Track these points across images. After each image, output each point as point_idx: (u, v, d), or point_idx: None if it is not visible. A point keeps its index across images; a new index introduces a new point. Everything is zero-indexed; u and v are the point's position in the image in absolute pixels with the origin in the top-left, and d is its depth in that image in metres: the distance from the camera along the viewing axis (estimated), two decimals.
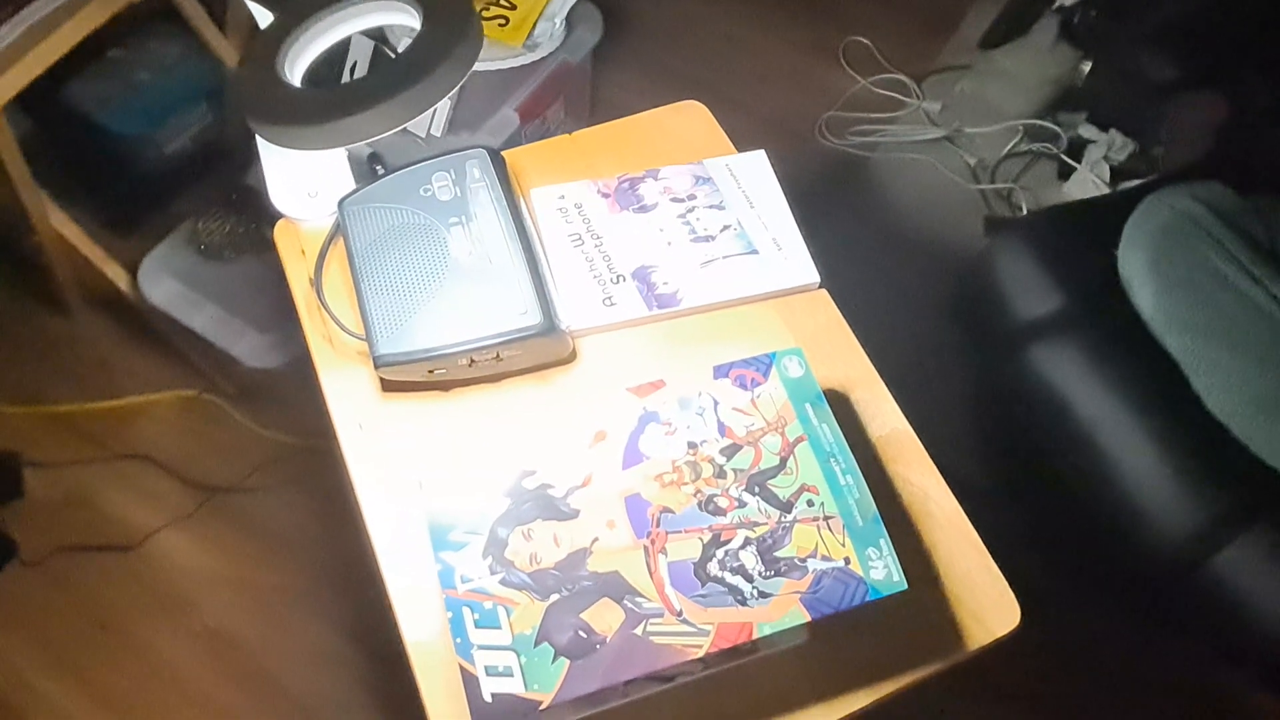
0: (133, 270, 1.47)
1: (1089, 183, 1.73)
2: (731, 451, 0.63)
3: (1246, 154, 1.40)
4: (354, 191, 0.76)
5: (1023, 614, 0.68)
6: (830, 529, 0.61)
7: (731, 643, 0.57)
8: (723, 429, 0.64)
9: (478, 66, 1.45)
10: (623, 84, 1.91)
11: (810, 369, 0.67)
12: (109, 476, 1.51)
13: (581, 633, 0.57)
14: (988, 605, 0.68)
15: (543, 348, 0.73)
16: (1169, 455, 1.04)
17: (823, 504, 0.61)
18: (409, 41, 0.77)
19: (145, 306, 1.48)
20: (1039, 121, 1.80)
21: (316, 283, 0.78)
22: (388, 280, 0.72)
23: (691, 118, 0.90)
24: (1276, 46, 1.47)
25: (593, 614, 0.58)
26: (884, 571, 0.59)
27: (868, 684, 0.66)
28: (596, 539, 0.60)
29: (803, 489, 0.62)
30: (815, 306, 0.80)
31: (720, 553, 0.60)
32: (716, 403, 0.65)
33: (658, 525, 0.61)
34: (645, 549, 0.60)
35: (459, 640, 0.57)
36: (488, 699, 0.56)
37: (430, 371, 0.72)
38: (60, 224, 1.38)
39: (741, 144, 0.88)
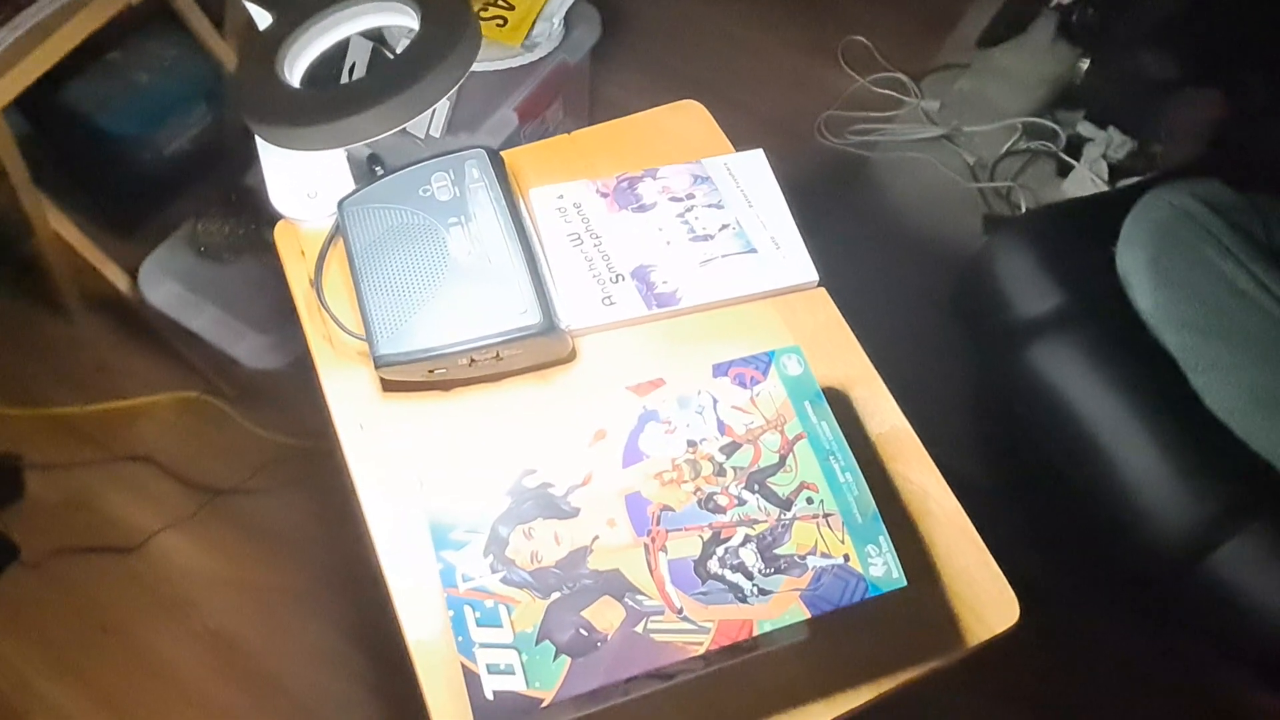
0: (132, 272, 1.48)
1: (1088, 180, 1.73)
2: (731, 449, 0.63)
3: (1245, 151, 1.40)
4: (353, 192, 0.76)
5: (1022, 611, 0.68)
6: (830, 526, 0.61)
7: (732, 640, 0.57)
8: (722, 427, 0.64)
9: (476, 67, 1.45)
10: (621, 84, 1.92)
11: (809, 367, 0.67)
12: (109, 478, 1.51)
13: (582, 631, 0.58)
14: (987, 602, 0.69)
15: (542, 347, 0.73)
16: (1168, 452, 1.04)
17: (822, 501, 0.62)
18: (407, 42, 0.77)
19: (145, 308, 1.48)
20: (1038, 119, 1.81)
21: (316, 283, 0.78)
22: (387, 280, 0.72)
23: (690, 117, 0.91)
24: (1274, 44, 1.47)
25: (594, 612, 0.58)
26: (883, 568, 0.60)
27: (868, 680, 0.66)
28: (597, 537, 0.60)
29: (802, 486, 0.62)
30: (814, 305, 0.80)
31: (720, 550, 0.60)
32: (716, 401, 0.65)
33: (658, 523, 0.61)
34: (645, 547, 0.60)
35: (460, 639, 0.57)
36: (489, 697, 0.56)
37: (430, 371, 0.72)
38: (60, 226, 1.38)
39: (740, 143, 0.88)
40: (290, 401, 1.54)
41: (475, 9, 0.80)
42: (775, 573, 0.59)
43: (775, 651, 0.67)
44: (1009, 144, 1.81)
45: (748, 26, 2.03)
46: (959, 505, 0.72)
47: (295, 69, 0.80)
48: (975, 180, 1.80)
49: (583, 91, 1.75)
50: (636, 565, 0.59)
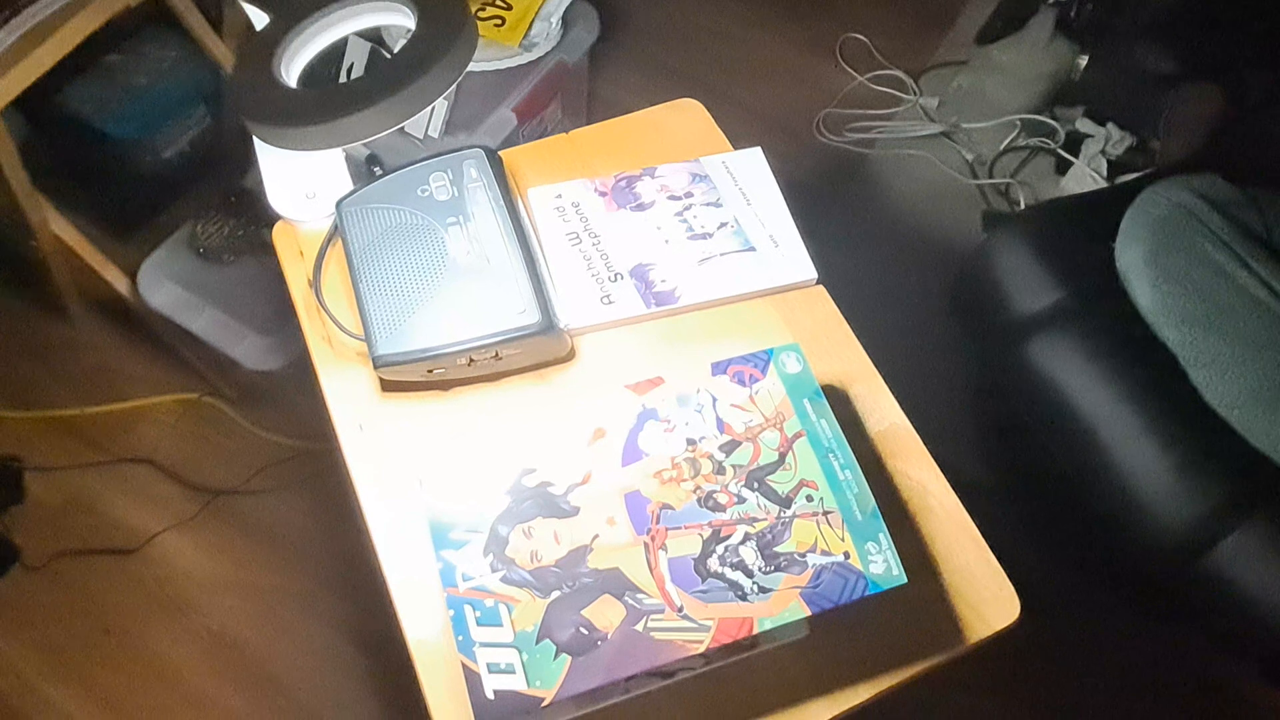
0: (132, 274, 1.47)
1: (1086, 177, 1.73)
2: (730, 448, 0.63)
3: (1243, 146, 1.40)
4: (352, 192, 0.76)
5: (1022, 607, 0.68)
6: (829, 524, 0.61)
7: (732, 638, 0.57)
8: (721, 425, 0.64)
9: (474, 67, 1.45)
10: (620, 83, 1.92)
11: (808, 365, 0.67)
12: (110, 480, 1.51)
13: (583, 629, 0.58)
14: (987, 598, 0.69)
15: (541, 346, 0.73)
16: (1168, 448, 1.04)
17: (822, 499, 0.62)
18: (404, 42, 0.77)
19: (145, 310, 1.48)
20: (1036, 116, 1.80)
21: (315, 284, 0.78)
22: (386, 281, 0.72)
23: (688, 116, 0.91)
24: (1272, 38, 1.47)
25: (594, 611, 0.58)
26: (883, 565, 0.60)
27: (868, 678, 0.66)
28: (597, 536, 0.60)
29: (802, 484, 0.62)
30: (813, 303, 0.80)
31: (720, 548, 0.60)
32: (715, 399, 0.65)
33: (657, 522, 0.61)
34: (645, 545, 0.60)
35: (461, 638, 0.58)
36: (490, 696, 0.56)
37: (429, 371, 0.72)
38: (59, 229, 1.38)
39: (739, 142, 0.88)
40: (290, 402, 1.54)
41: (473, 9, 0.80)
42: (775, 570, 0.59)
43: (775, 649, 0.67)
44: (1007, 141, 1.81)
45: (745, 25, 2.03)
46: (959, 502, 0.72)
47: (292, 69, 0.80)
48: (974, 177, 1.80)
49: (581, 91, 1.75)
50: (636, 564, 0.59)
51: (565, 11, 1.51)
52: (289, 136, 0.76)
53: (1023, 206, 1.76)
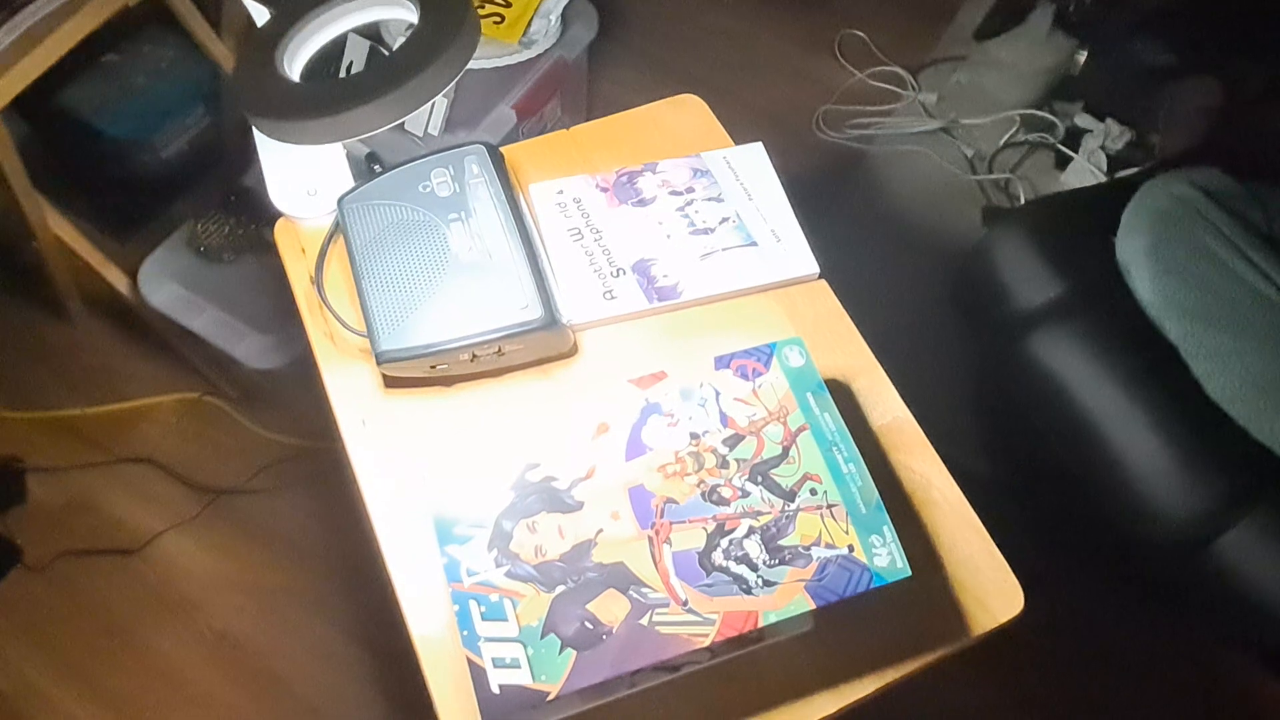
0: (132, 274, 1.47)
1: (1086, 171, 1.73)
2: (734, 441, 0.63)
3: (1243, 139, 1.40)
4: (353, 189, 0.76)
5: (1026, 599, 0.68)
6: (833, 517, 0.61)
7: (737, 631, 0.57)
8: (725, 419, 0.64)
9: (474, 64, 1.45)
10: (619, 80, 1.91)
11: (811, 358, 0.67)
12: (112, 480, 1.51)
13: (588, 624, 0.58)
14: (992, 590, 0.69)
15: (544, 342, 0.73)
16: (1170, 441, 1.04)
17: (826, 492, 0.62)
18: (406, 36, 0.77)
19: (145, 310, 1.48)
20: (1036, 111, 1.80)
21: (317, 280, 0.78)
22: (388, 277, 0.72)
23: (689, 112, 0.91)
24: (1270, 31, 1.47)
25: (599, 605, 0.58)
26: (888, 558, 0.60)
27: (873, 670, 0.66)
28: (601, 530, 0.60)
29: (805, 477, 0.62)
30: (815, 297, 0.80)
31: (724, 542, 0.60)
32: (718, 393, 0.65)
33: (662, 516, 0.61)
34: (650, 540, 0.60)
35: (466, 633, 0.58)
36: (495, 690, 0.56)
37: (432, 367, 0.72)
38: (59, 229, 1.38)
39: (739, 139, 0.88)
40: (292, 401, 1.54)
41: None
42: (779, 564, 0.59)
43: (780, 643, 0.67)
44: (1007, 136, 1.81)
45: (744, 22, 2.03)
46: (962, 495, 0.72)
47: (294, 64, 0.80)
48: (974, 172, 1.80)
49: (580, 88, 1.75)
50: (641, 558, 0.59)
51: (564, 9, 1.51)
52: (290, 130, 0.76)
53: (1023, 201, 1.76)
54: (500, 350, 0.72)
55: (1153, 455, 1.05)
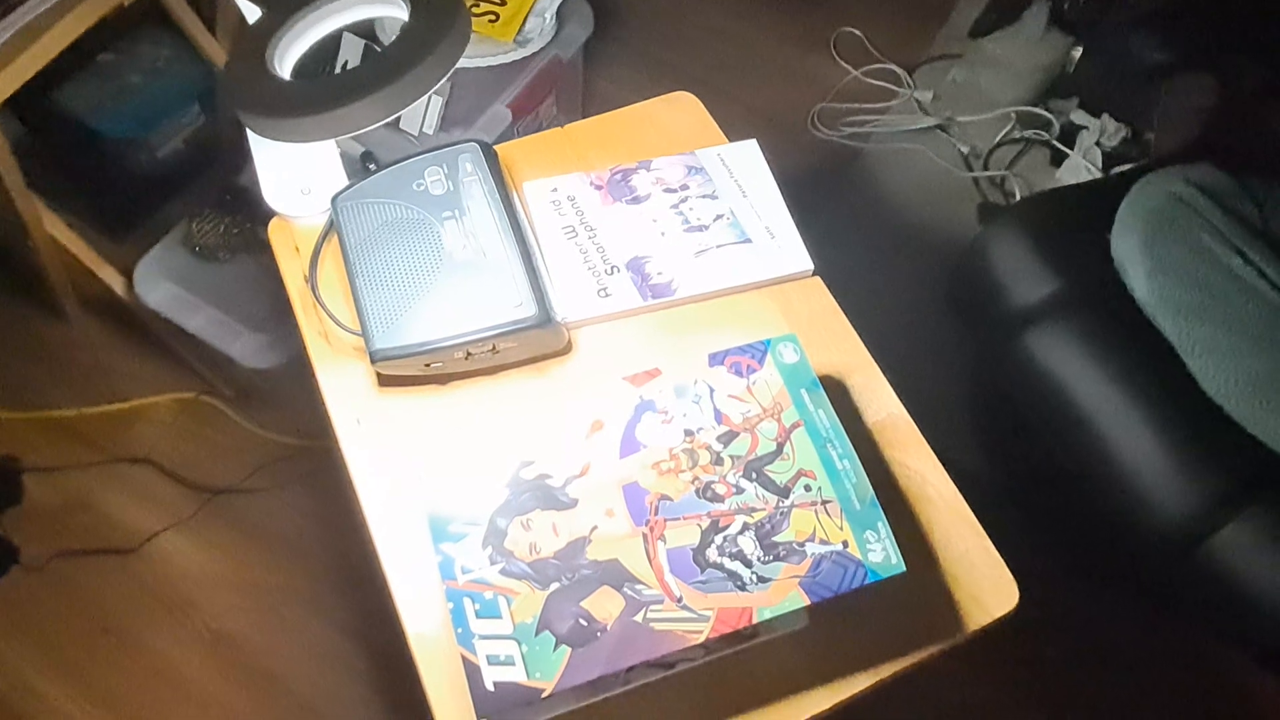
0: (128, 273, 1.47)
1: (1082, 168, 1.73)
2: (728, 438, 0.63)
3: (1238, 136, 1.40)
4: (347, 187, 0.76)
5: (1020, 595, 0.68)
6: (828, 513, 0.61)
7: (732, 628, 0.58)
8: (719, 416, 0.64)
9: (469, 63, 1.45)
10: (614, 79, 1.91)
11: (805, 355, 0.67)
12: (108, 480, 1.51)
13: (582, 621, 0.58)
14: (986, 586, 0.69)
15: (538, 339, 0.73)
16: (1165, 437, 1.04)
17: (820, 488, 0.62)
18: (397, 33, 0.77)
19: (141, 309, 1.47)
20: (1031, 108, 1.81)
21: (311, 279, 0.78)
22: (382, 275, 0.72)
23: (683, 109, 0.91)
24: (1265, 27, 1.47)
25: (593, 602, 0.58)
26: (882, 554, 0.60)
27: (868, 666, 0.66)
28: (595, 527, 0.60)
29: (800, 474, 0.62)
30: (809, 294, 0.80)
31: (719, 539, 0.60)
32: (713, 390, 0.65)
33: (656, 513, 0.61)
34: (644, 536, 0.60)
35: (460, 630, 0.58)
36: (490, 688, 0.56)
37: (427, 365, 0.72)
38: (54, 229, 1.37)
39: (734, 137, 0.88)
40: (288, 400, 1.54)
41: (466, 3, 0.80)
42: (774, 560, 0.59)
43: (775, 639, 0.67)
44: (1002, 133, 1.81)
45: (740, 20, 2.03)
46: (957, 491, 0.72)
47: (286, 61, 0.80)
48: (969, 170, 1.80)
49: (575, 87, 1.75)
50: (635, 555, 0.59)
51: (559, 7, 1.51)
52: (282, 128, 0.76)
53: (1018, 198, 1.76)
54: (495, 348, 0.72)
55: (1148, 452, 1.05)
